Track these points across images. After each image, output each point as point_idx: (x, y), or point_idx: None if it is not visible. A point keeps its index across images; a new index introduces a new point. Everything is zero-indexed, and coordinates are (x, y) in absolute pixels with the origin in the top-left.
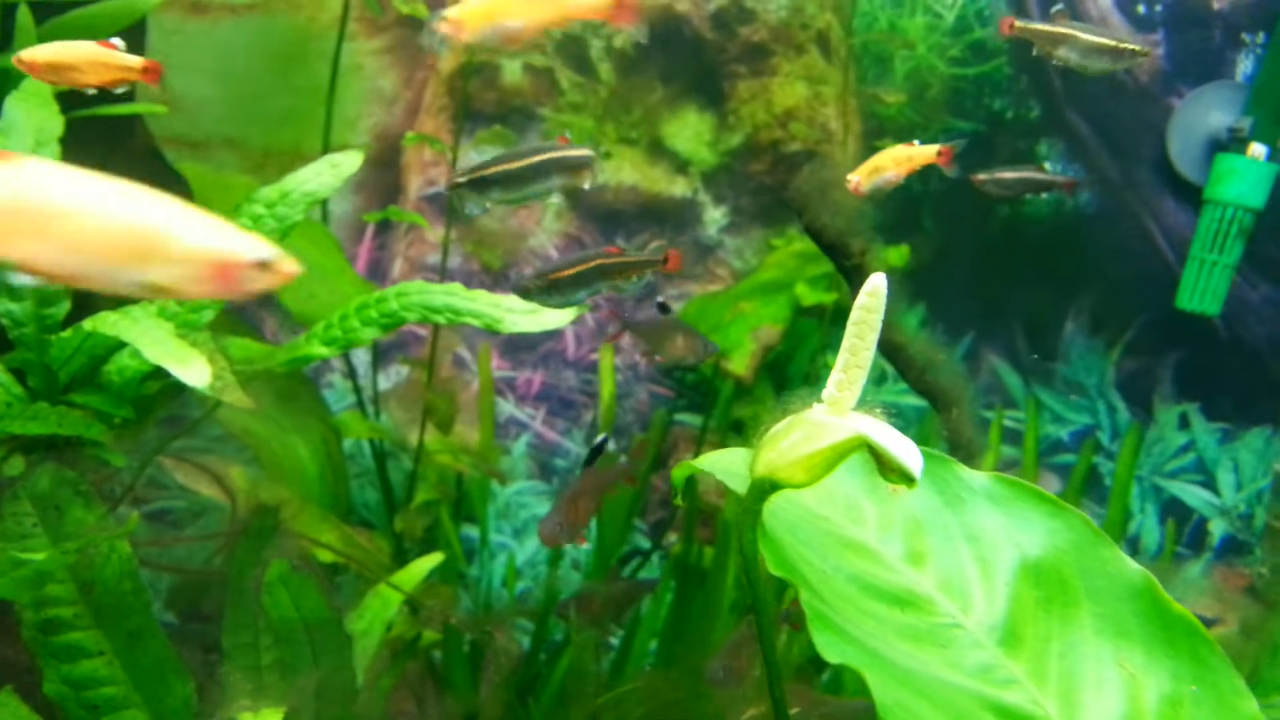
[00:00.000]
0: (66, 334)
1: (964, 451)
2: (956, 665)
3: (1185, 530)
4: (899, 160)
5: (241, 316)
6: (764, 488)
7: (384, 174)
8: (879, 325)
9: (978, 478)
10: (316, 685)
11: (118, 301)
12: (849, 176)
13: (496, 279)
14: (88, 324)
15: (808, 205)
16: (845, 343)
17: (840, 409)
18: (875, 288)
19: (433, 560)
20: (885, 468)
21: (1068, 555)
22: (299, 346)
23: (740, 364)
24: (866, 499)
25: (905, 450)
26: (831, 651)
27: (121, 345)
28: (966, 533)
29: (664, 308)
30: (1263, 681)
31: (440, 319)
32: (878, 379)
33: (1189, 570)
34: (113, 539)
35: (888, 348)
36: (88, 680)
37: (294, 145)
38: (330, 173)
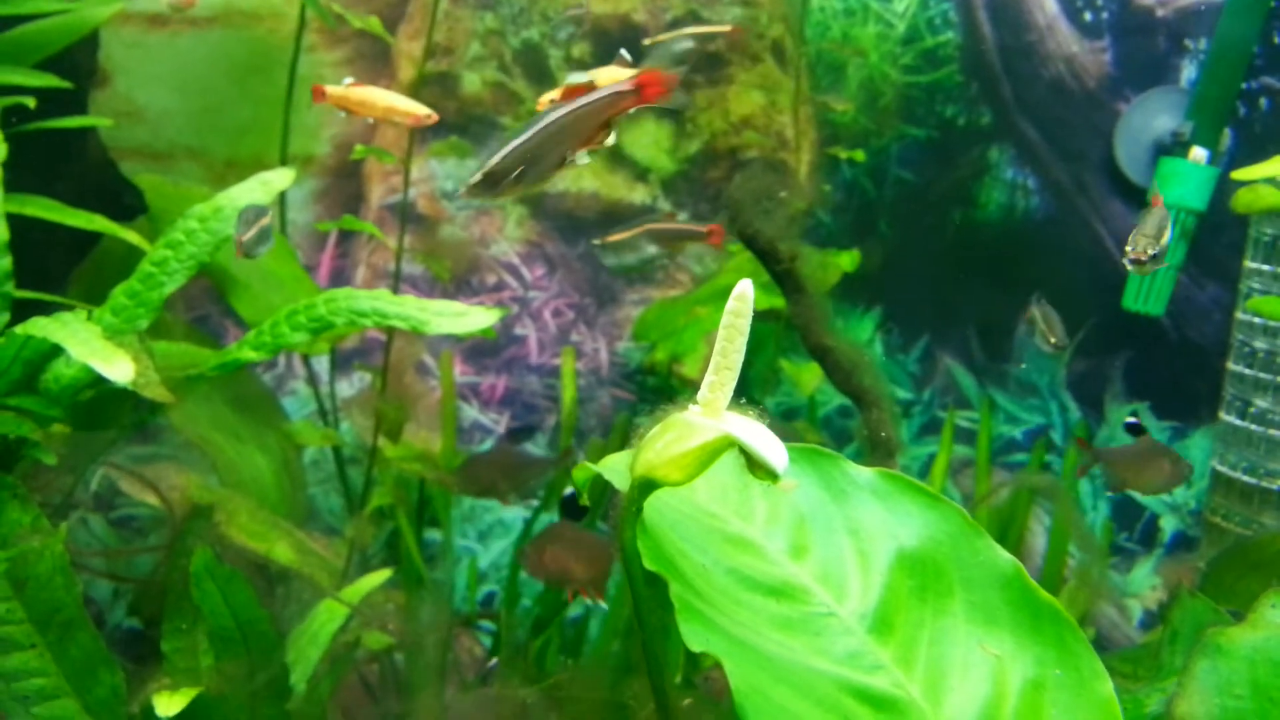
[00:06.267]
0: (2, 341)
1: (884, 449)
2: (825, 652)
3: (1137, 527)
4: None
5: (205, 325)
6: (643, 486)
7: (345, 183)
8: (747, 330)
9: (864, 473)
10: (251, 683)
11: (52, 312)
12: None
13: (459, 285)
14: (20, 329)
15: (740, 212)
16: (716, 346)
17: (713, 410)
18: (742, 294)
19: (380, 576)
20: (753, 465)
21: (944, 546)
22: (229, 351)
23: (693, 367)
24: (760, 496)
25: (771, 448)
26: (695, 640)
27: (58, 353)
28: (849, 526)
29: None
30: (1163, 666)
31: (367, 322)
32: None
33: (1141, 566)
34: (46, 538)
35: (817, 350)
36: (19, 672)
37: (256, 155)
38: (261, 189)
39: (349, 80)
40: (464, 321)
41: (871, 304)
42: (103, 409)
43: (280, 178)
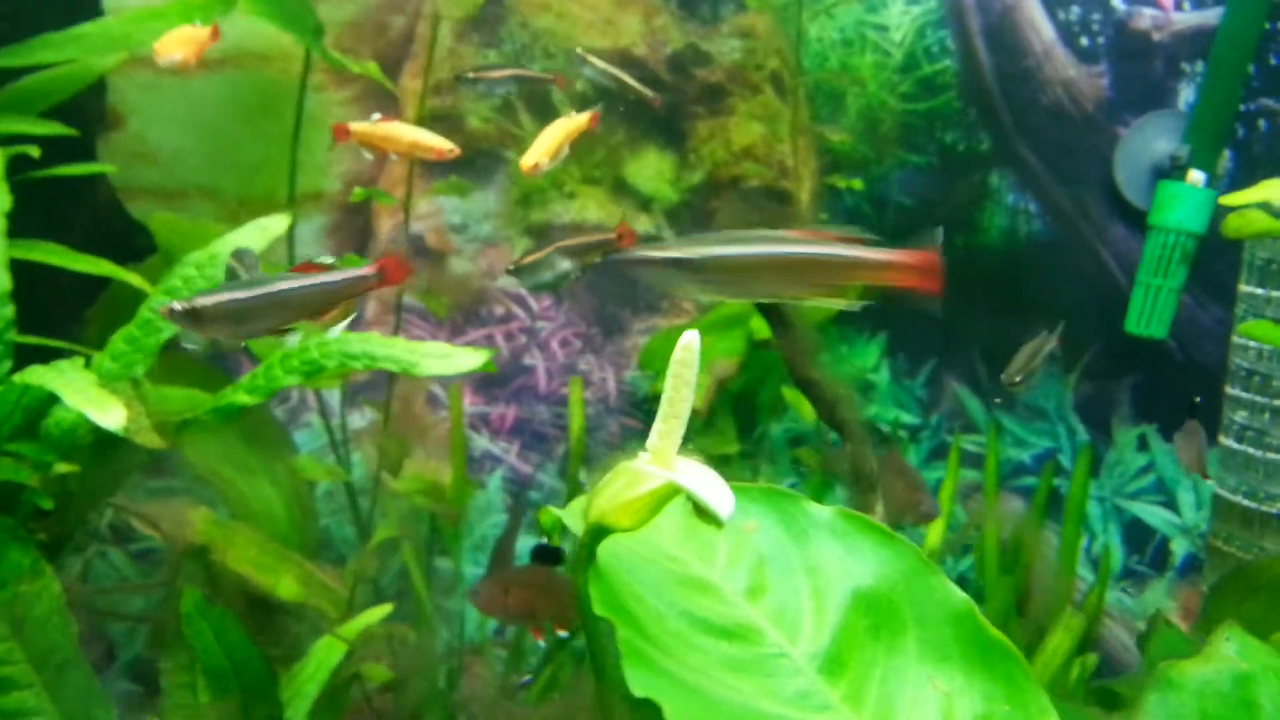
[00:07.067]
0: (2, 389)
1: (865, 482)
2: (775, 694)
3: (1148, 549)
4: (569, 133)
5: (222, 363)
6: (595, 532)
7: (355, 218)
8: (694, 380)
9: (823, 512)
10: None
11: (49, 359)
12: (528, 161)
13: (468, 317)
14: (18, 377)
15: None
16: (664, 396)
17: (662, 458)
18: (687, 345)
19: (380, 611)
20: (700, 511)
21: (898, 584)
22: (225, 395)
23: (695, 396)
24: (723, 538)
25: (715, 495)
26: (639, 685)
27: (58, 399)
28: (806, 565)
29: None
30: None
31: (358, 365)
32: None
33: (1152, 589)
34: (44, 580)
35: (802, 383)
36: (17, 711)
37: (267, 193)
38: (258, 235)
39: (377, 116)
40: (452, 363)
41: (877, 330)
42: (115, 445)
43: (276, 224)
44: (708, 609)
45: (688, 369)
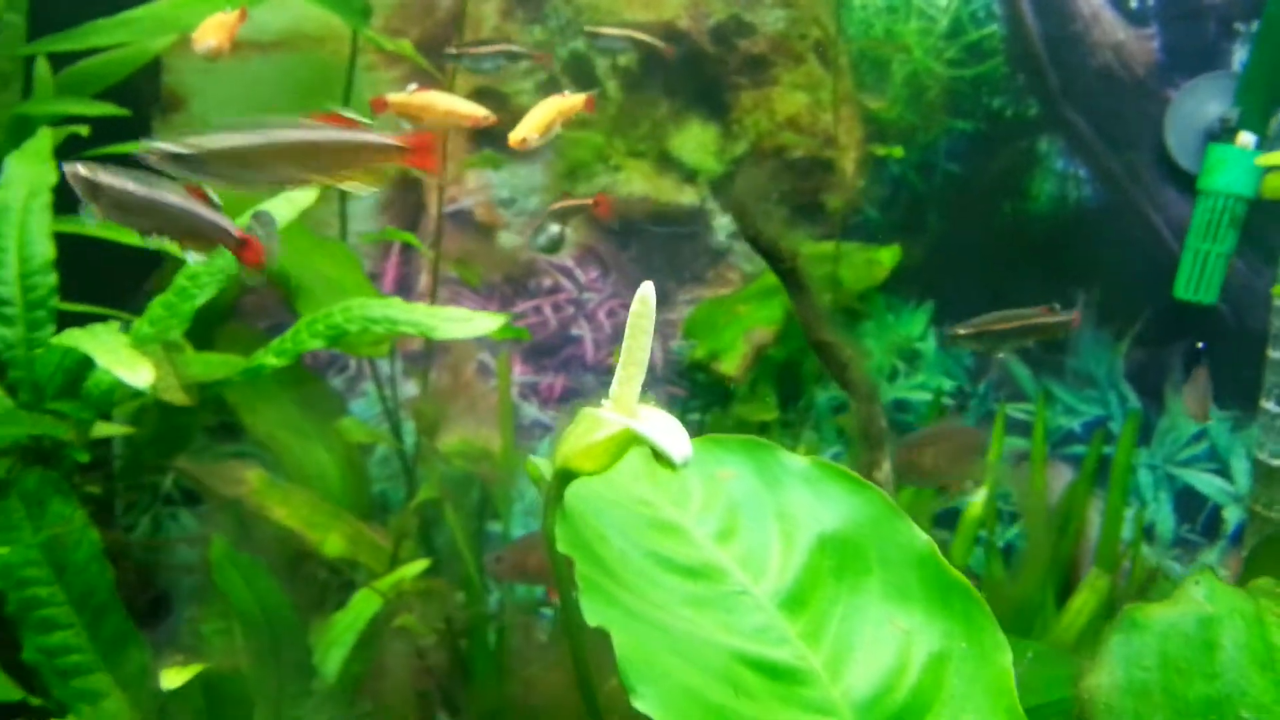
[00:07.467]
0: (44, 351)
1: (872, 440)
2: (733, 628)
3: (1199, 518)
4: (562, 111)
5: (278, 333)
6: (562, 476)
7: (407, 194)
8: (650, 329)
9: (798, 462)
10: (278, 663)
11: (87, 323)
12: (516, 135)
13: (517, 289)
14: (56, 340)
15: (743, 212)
16: (624, 344)
17: (622, 404)
18: (644, 296)
19: (417, 567)
20: (657, 455)
21: (865, 528)
22: (256, 358)
23: (731, 364)
24: (698, 485)
25: (670, 440)
26: (593, 615)
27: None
28: (778, 511)
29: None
30: None
31: (379, 329)
32: (890, 375)
33: (1204, 557)
34: (83, 528)
35: (817, 345)
36: (59, 649)
37: None
38: (286, 206)
39: (413, 87)
40: (470, 326)
41: (924, 298)
42: (177, 412)
43: (303, 197)
44: (674, 550)
45: (645, 319)
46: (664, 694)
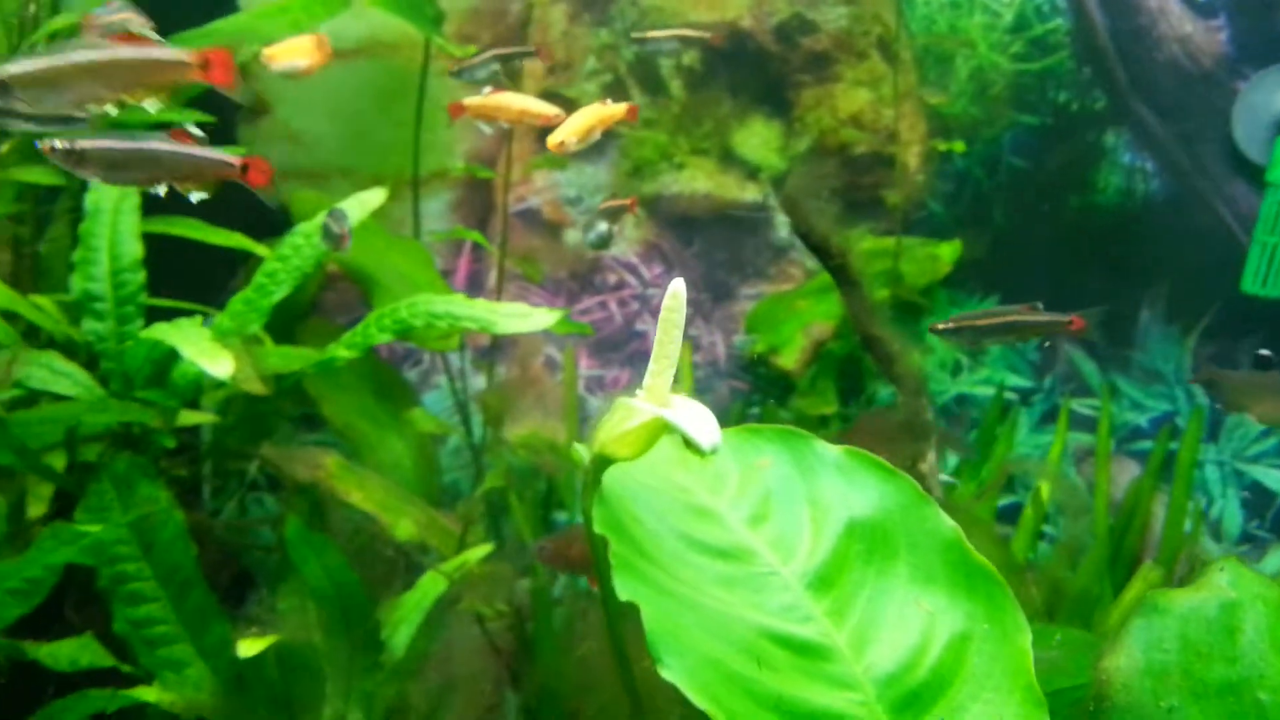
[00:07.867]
0: (132, 344)
1: (919, 432)
2: (760, 606)
3: (1268, 515)
4: (602, 120)
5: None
6: (599, 461)
7: (478, 194)
8: (682, 323)
9: (831, 451)
10: (349, 636)
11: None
12: (554, 139)
13: (584, 285)
14: (144, 333)
15: (795, 209)
16: (657, 337)
17: (655, 394)
18: (675, 292)
19: (481, 551)
20: (688, 443)
21: (894, 514)
22: (328, 351)
23: (790, 358)
24: (734, 472)
25: (700, 429)
26: (624, 590)
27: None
28: (810, 497)
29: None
30: None
31: (442, 324)
32: (954, 370)
33: (1272, 553)
34: (169, 509)
35: (866, 339)
36: (146, 620)
37: (399, 171)
38: (358, 207)
39: (488, 89)
40: (528, 321)
41: (989, 292)
42: (261, 403)
43: (373, 197)
44: (707, 533)
45: (676, 313)
46: (690, 665)
